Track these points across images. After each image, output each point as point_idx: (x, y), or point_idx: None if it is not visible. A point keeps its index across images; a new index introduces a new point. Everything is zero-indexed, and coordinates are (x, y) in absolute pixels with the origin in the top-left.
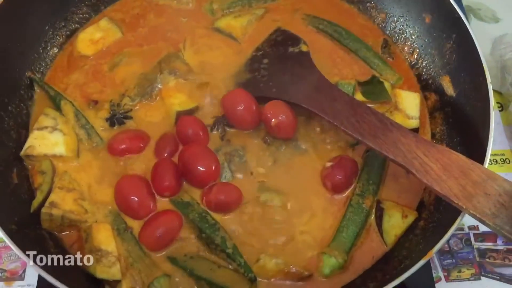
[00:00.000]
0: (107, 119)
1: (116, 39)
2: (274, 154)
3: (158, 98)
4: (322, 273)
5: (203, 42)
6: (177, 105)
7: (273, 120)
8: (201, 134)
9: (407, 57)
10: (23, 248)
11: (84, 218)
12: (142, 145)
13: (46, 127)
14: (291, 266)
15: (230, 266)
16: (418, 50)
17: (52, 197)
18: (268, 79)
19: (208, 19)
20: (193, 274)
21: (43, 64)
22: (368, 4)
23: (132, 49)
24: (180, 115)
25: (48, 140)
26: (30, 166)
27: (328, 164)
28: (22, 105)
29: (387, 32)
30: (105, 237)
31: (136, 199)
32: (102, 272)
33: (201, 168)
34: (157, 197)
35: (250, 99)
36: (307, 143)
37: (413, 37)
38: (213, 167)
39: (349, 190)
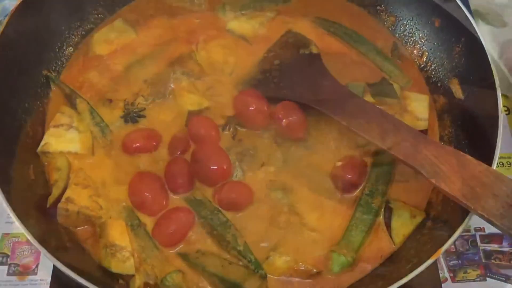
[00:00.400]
0: (121, 117)
1: (130, 40)
2: (284, 153)
3: (170, 97)
4: (331, 270)
5: (216, 43)
6: (189, 104)
7: (284, 120)
8: (213, 133)
9: (416, 60)
10: (41, 242)
11: (99, 214)
12: (155, 143)
13: (62, 125)
14: (300, 264)
15: (241, 263)
16: (427, 53)
17: (68, 193)
18: (279, 80)
19: (221, 20)
20: (205, 270)
21: (58, 63)
22: (378, 8)
23: (145, 50)
24: (192, 114)
25: (63, 137)
26: (46, 163)
27: (338, 163)
28: (38, 102)
29: (397, 35)
30: (119, 233)
31: (150, 195)
32: (116, 267)
33: (213, 167)
34: (170, 194)
35: (261, 100)
36: (317, 143)
37: (422, 40)
38: (225, 166)
39: (358, 190)
